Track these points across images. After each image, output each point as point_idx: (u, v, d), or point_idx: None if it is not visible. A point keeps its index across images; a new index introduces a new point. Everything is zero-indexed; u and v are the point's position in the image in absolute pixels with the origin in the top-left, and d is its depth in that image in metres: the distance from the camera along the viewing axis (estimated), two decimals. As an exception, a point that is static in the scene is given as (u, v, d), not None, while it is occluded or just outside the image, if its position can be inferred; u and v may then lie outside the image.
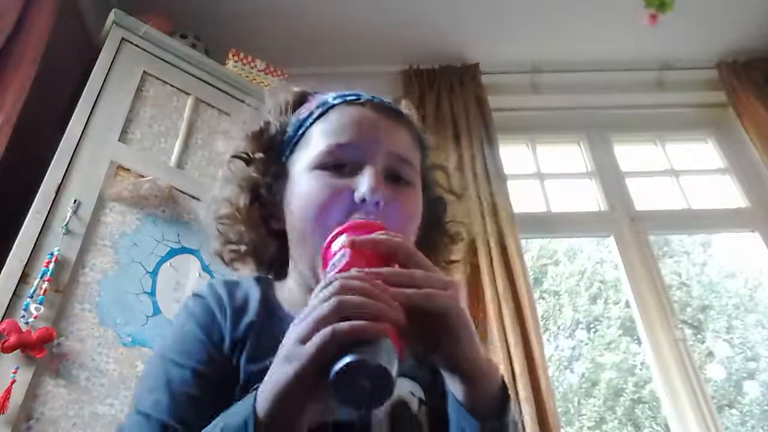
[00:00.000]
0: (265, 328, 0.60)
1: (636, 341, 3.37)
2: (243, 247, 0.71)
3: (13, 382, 1.10)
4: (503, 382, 0.53)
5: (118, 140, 1.53)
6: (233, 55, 1.98)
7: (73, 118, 1.48)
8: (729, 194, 2.46)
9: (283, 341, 0.46)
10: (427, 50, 2.46)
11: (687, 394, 1.89)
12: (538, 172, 2.47)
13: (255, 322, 0.61)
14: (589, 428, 3.39)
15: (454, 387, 0.52)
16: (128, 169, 1.50)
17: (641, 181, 2.49)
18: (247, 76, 1.95)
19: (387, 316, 0.43)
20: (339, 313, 0.43)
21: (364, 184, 0.61)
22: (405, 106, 0.74)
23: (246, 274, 0.73)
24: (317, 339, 0.42)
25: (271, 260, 0.72)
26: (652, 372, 2.02)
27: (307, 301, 0.60)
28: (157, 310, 1.37)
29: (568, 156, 2.59)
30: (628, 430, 3.33)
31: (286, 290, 0.68)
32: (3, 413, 1.06)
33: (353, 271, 0.47)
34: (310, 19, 2.32)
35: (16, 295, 1.19)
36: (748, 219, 2.36)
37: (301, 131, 0.69)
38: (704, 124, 2.61)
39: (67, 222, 1.31)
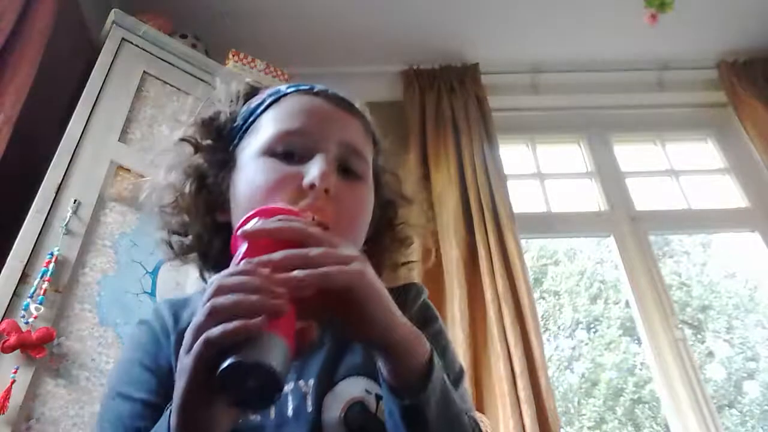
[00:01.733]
0: None
1: (636, 341, 3.37)
2: (188, 240, 0.68)
3: (13, 382, 1.10)
4: (431, 354, 0.50)
5: (118, 140, 1.53)
6: (233, 55, 1.98)
7: (73, 118, 1.48)
8: (729, 194, 2.46)
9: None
10: (427, 50, 2.46)
11: (687, 394, 1.89)
12: (538, 172, 2.47)
13: None
14: (589, 428, 3.39)
15: (380, 366, 0.50)
16: (128, 169, 1.50)
17: (641, 181, 2.49)
18: (247, 77, 1.94)
19: (264, 308, 0.40)
20: (213, 318, 0.40)
21: (314, 169, 0.58)
22: (361, 106, 0.71)
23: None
24: (194, 350, 0.40)
25: (217, 258, 0.67)
26: (652, 372, 2.02)
27: None
28: (157, 310, 1.37)
29: (568, 156, 2.59)
30: (628, 430, 3.33)
31: None
32: (3, 413, 1.06)
33: (241, 264, 0.44)
34: (310, 19, 2.32)
35: (16, 295, 1.19)
36: (748, 219, 2.36)
37: (251, 119, 0.67)
38: (704, 124, 2.61)
39: (67, 222, 1.32)
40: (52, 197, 1.34)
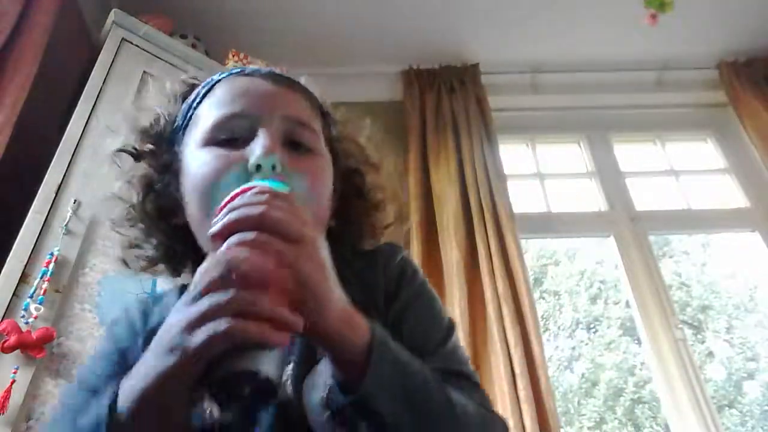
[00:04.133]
0: None
1: (636, 341, 3.37)
2: (150, 252, 0.66)
3: (13, 382, 1.10)
4: (371, 340, 0.47)
5: (118, 140, 1.52)
6: (233, 55, 1.98)
7: (73, 118, 1.48)
8: (729, 194, 2.46)
9: (168, 323, 0.42)
10: (427, 50, 2.46)
11: (687, 394, 1.89)
12: (538, 172, 2.47)
13: None
14: (589, 428, 3.39)
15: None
16: (128, 169, 1.49)
17: (641, 181, 2.49)
18: (247, 76, 1.95)
19: (286, 322, 0.40)
20: (232, 308, 0.39)
21: (257, 147, 0.56)
22: (306, 81, 0.69)
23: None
24: (206, 333, 0.38)
25: (183, 262, 0.66)
26: (652, 372, 2.02)
27: None
28: (157, 310, 1.37)
29: (568, 156, 2.59)
30: (628, 430, 3.33)
31: None
32: (3, 413, 1.06)
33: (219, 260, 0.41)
34: (310, 19, 2.32)
35: (16, 295, 1.19)
36: (748, 219, 2.36)
37: (189, 114, 0.65)
38: (704, 124, 2.61)
39: (67, 222, 1.31)
40: (52, 197, 1.34)
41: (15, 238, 1.26)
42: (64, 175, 1.38)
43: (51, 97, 1.67)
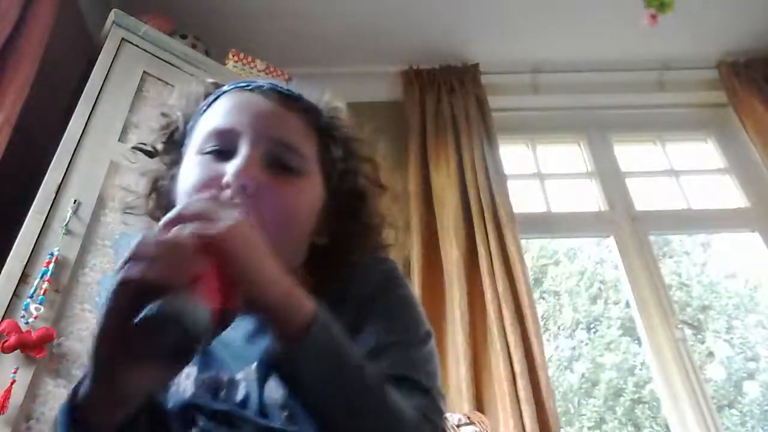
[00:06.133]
0: None
1: (636, 341, 3.37)
2: None
3: (13, 382, 1.10)
4: (315, 316, 0.48)
5: (118, 140, 1.53)
6: (233, 55, 1.98)
7: (73, 118, 1.48)
8: (729, 194, 2.46)
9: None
10: (427, 50, 2.46)
11: (687, 394, 1.89)
12: (538, 172, 2.47)
13: None
14: (589, 428, 3.39)
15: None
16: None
17: (641, 181, 2.49)
18: (247, 77, 1.95)
19: (184, 266, 0.42)
20: (134, 262, 0.42)
21: (231, 167, 0.59)
22: (313, 95, 0.71)
23: None
24: (112, 290, 0.42)
25: None
26: (652, 372, 2.02)
27: None
28: (157, 310, 1.36)
29: (568, 156, 2.59)
30: (628, 430, 3.33)
31: None
32: (3, 413, 1.06)
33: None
34: (310, 19, 2.32)
35: (16, 295, 1.19)
36: (748, 219, 2.36)
37: (196, 119, 0.69)
38: (704, 124, 2.61)
39: (67, 222, 1.31)
40: (52, 197, 1.34)
41: (15, 238, 1.26)
42: (64, 175, 1.38)
43: (51, 97, 1.67)
